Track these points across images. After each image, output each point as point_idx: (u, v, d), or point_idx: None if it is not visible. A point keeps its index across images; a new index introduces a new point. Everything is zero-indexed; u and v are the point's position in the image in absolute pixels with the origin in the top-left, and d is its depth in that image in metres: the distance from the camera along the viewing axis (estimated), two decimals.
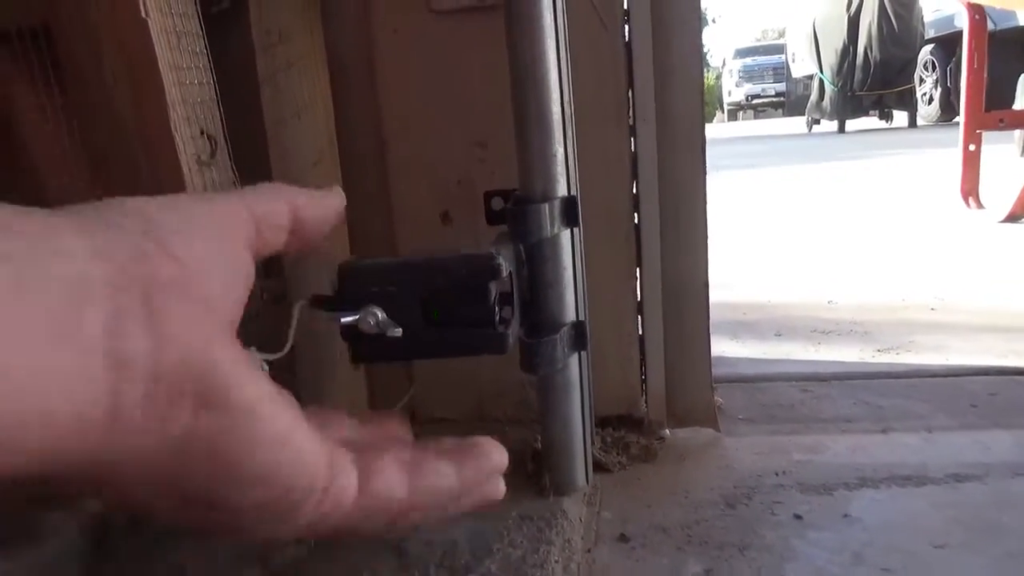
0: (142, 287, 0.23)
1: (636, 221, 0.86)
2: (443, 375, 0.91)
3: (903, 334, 1.29)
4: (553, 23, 0.65)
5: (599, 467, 0.81)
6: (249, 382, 0.25)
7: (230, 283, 0.27)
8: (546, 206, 0.66)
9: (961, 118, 2.50)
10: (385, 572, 0.62)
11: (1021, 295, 1.52)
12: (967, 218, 2.47)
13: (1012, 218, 2.38)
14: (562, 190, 0.68)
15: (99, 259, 0.22)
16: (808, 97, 8.97)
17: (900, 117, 8.51)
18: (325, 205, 0.37)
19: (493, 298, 0.63)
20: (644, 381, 0.91)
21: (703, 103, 0.84)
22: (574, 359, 0.72)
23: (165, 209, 0.26)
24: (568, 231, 0.69)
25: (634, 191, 0.85)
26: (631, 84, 0.83)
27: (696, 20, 0.83)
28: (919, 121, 8.12)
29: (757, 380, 1.10)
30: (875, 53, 7.79)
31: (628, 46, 0.83)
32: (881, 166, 4.43)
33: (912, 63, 7.85)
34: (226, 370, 0.24)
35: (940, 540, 0.64)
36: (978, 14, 2.47)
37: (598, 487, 0.78)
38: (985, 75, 2.49)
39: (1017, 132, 4.04)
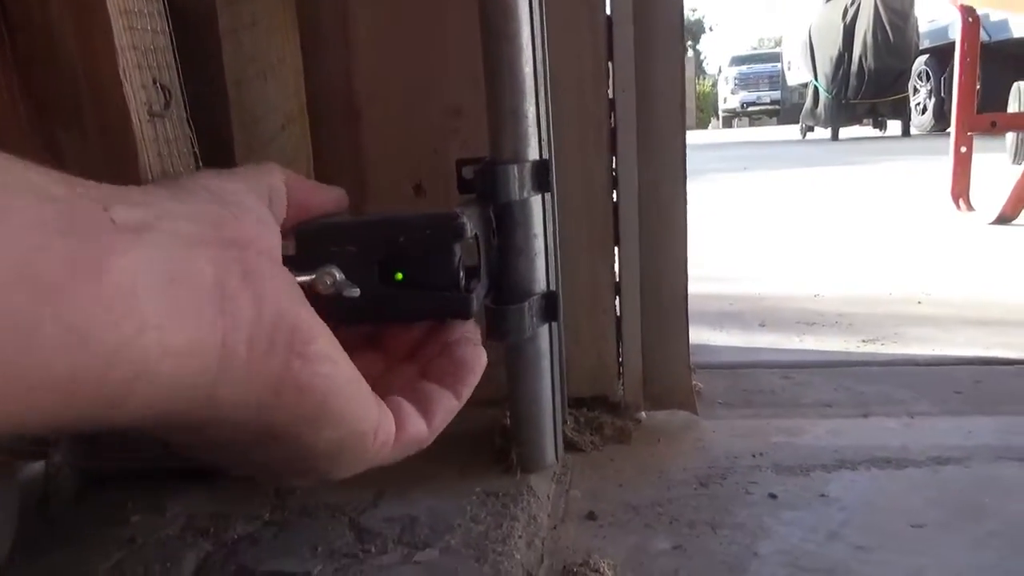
0: (235, 248, 0.26)
1: (615, 198, 0.84)
2: None
3: (889, 326, 1.27)
4: None
5: (571, 447, 0.79)
6: (325, 333, 0.29)
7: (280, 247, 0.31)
8: (515, 167, 0.63)
9: (952, 120, 2.49)
10: (342, 547, 0.59)
11: (1008, 291, 1.50)
12: (957, 220, 2.46)
13: (1002, 220, 2.36)
14: (533, 153, 0.66)
15: (194, 222, 0.25)
16: (802, 105, 8.99)
17: (893, 126, 8.53)
18: (325, 193, 0.44)
19: (457, 260, 0.61)
20: (620, 362, 0.88)
21: (684, 77, 0.82)
22: (544, 330, 0.69)
23: (216, 179, 0.31)
24: (539, 196, 0.67)
25: (613, 165, 0.83)
26: (611, 56, 0.81)
27: None
28: (912, 130, 8.14)
29: (739, 367, 1.08)
30: (870, 62, 7.81)
31: (609, 19, 0.81)
32: (874, 171, 4.43)
33: (906, 73, 7.87)
34: (310, 323, 0.28)
35: (919, 520, 0.62)
36: (971, 16, 2.46)
37: (568, 466, 0.75)
38: (977, 77, 2.48)
39: (1009, 139, 4.05)
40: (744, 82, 15.94)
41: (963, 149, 2.51)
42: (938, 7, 7.70)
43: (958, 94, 2.48)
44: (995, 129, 2.53)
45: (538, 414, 0.70)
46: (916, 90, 8.00)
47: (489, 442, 0.75)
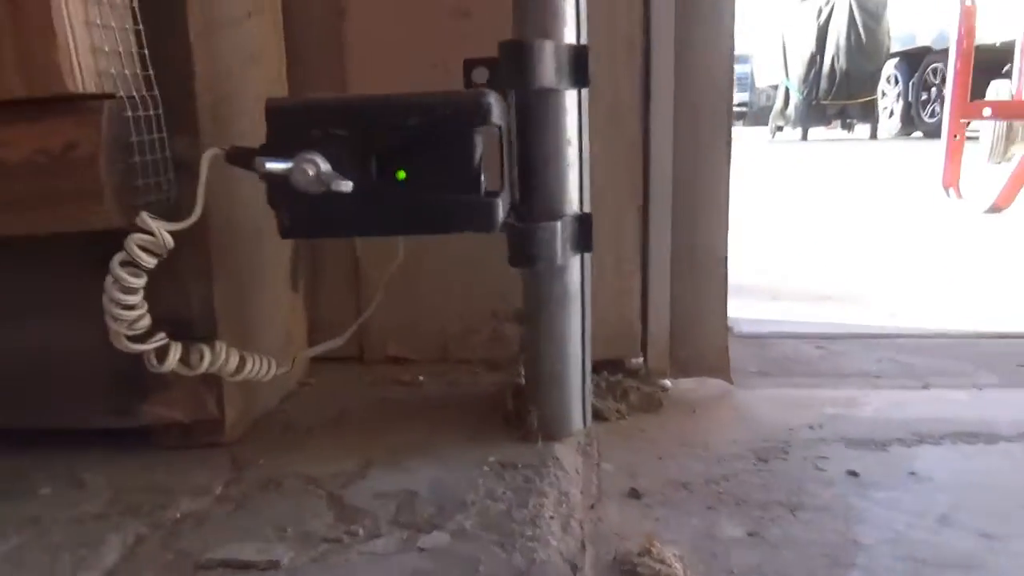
0: None
1: (645, 121, 0.71)
2: (398, 309, 0.74)
3: (905, 301, 1.17)
4: None
5: (594, 415, 0.65)
6: None
7: None
8: (551, 44, 0.49)
9: (947, 107, 2.42)
10: (319, 529, 0.45)
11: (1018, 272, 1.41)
12: (952, 208, 2.39)
13: (995, 209, 2.30)
14: (570, 35, 0.52)
15: None
16: (770, 108, 8.98)
17: (861, 129, 8.57)
18: None
19: (479, 154, 0.47)
20: (644, 319, 0.75)
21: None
22: (575, 263, 0.55)
23: None
24: (575, 92, 0.53)
25: (645, 81, 0.70)
26: None
27: None
28: (880, 133, 8.19)
29: (764, 337, 0.95)
30: (842, 63, 7.82)
31: None
32: (853, 167, 4.38)
33: (876, 75, 7.89)
34: None
35: None
36: (970, 0, 2.39)
37: (593, 436, 0.61)
38: (972, 65, 2.41)
39: (985, 139, 4.03)
40: None
41: (956, 137, 2.44)
42: (909, 14, 7.76)
43: (954, 81, 2.41)
44: (989, 117, 2.46)
45: (565, 369, 0.57)
46: (884, 94, 8.05)
47: (499, 405, 0.61)
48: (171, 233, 0.44)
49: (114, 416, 0.54)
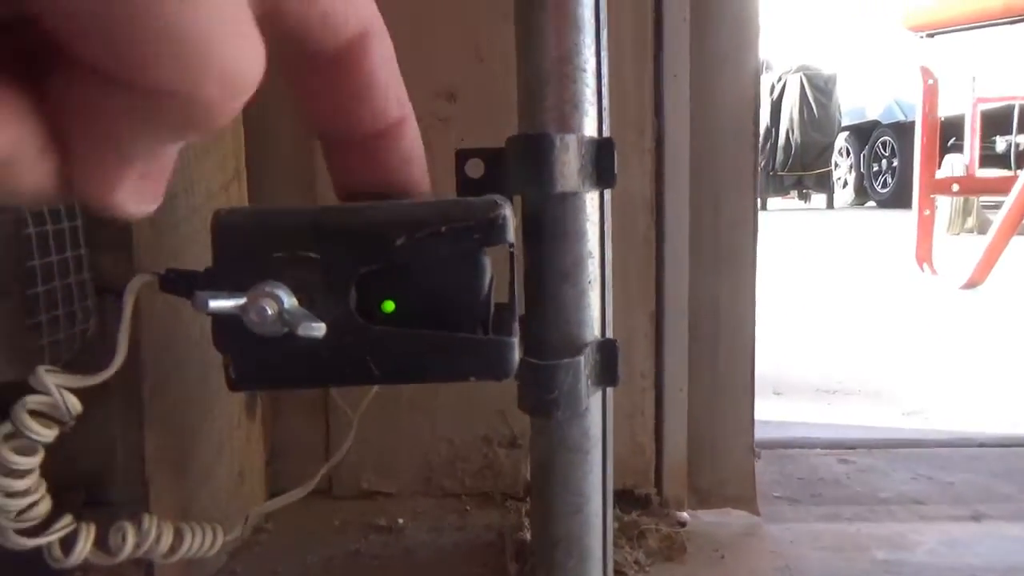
0: None
1: (658, 213, 0.62)
2: (376, 433, 0.63)
3: (921, 394, 1.09)
4: None
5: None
6: None
7: None
8: (571, 139, 0.40)
9: (916, 182, 2.43)
10: None
11: (1016, 357, 1.35)
12: (927, 284, 2.36)
13: (971, 285, 2.28)
14: (591, 127, 0.43)
15: None
16: None
17: (818, 199, 8.77)
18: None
19: (488, 280, 0.36)
20: (659, 443, 0.65)
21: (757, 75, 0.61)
22: (596, 400, 0.45)
23: None
24: (596, 194, 0.44)
25: (658, 170, 0.61)
26: (659, 24, 0.60)
27: None
28: (836, 203, 8.39)
29: (779, 446, 0.86)
30: (796, 136, 8.05)
31: None
32: (818, 237, 4.42)
33: (829, 148, 8.14)
34: None
35: None
36: (931, 78, 2.42)
37: None
38: (938, 140, 2.43)
39: (944, 209, 4.10)
40: None
41: (927, 212, 2.44)
42: (857, 90, 8.07)
43: (921, 156, 2.43)
44: (957, 191, 2.47)
45: (582, 531, 0.46)
46: (837, 165, 8.29)
47: (497, 568, 0.50)
48: (81, 390, 0.32)
49: None
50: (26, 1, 0.13)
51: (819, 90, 8.00)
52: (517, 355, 0.38)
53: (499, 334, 0.36)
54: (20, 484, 0.32)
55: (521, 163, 0.40)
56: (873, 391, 1.13)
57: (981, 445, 0.87)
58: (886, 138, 7.47)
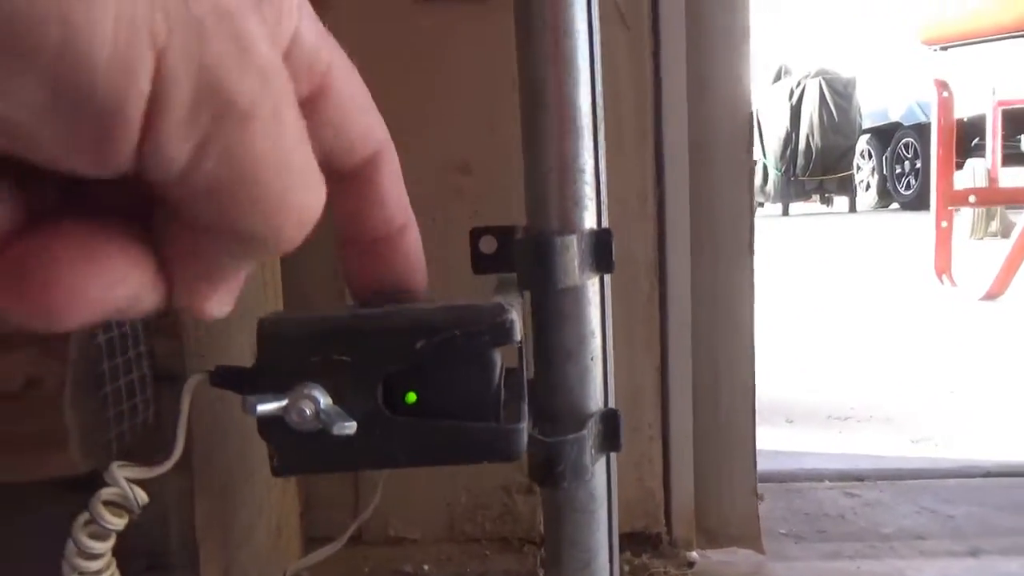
0: None
1: (661, 274, 0.66)
2: (401, 483, 0.67)
3: (931, 421, 1.11)
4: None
5: None
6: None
7: None
8: (572, 240, 0.45)
9: (933, 195, 2.43)
10: None
11: None
12: (947, 296, 2.37)
13: (990, 296, 2.29)
14: (590, 220, 0.48)
15: None
16: None
17: (840, 202, 8.73)
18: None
19: (498, 375, 0.41)
20: (667, 487, 0.69)
21: (752, 126, 0.66)
22: (601, 465, 0.50)
23: None
24: (596, 280, 0.48)
25: (660, 230, 0.66)
26: (658, 94, 0.65)
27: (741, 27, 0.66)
28: (859, 206, 8.34)
29: (787, 479, 0.89)
30: (816, 140, 8.02)
31: (656, 53, 0.65)
32: (838, 243, 4.41)
33: (851, 151, 8.10)
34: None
35: None
36: (946, 91, 2.43)
37: None
38: (954, 152, 2.44)
39: (967, 216, 4.08)
40: None
41: (944, 224, 2.45)
42: (879, 91, 8.03)
43: (937, 169, 2.43)
44: (975, 203, 2.48)
45: None
46: (859, 168, 8.23)
47: None
48: (145, 481, 0.38)
49: None
50: (152, 181, 0.15)
51: (839, 94, 7.97)
52: (525, 439, 0.43)
53: (509, 422, 0.41)
54: (95, 565, 0.37)
55: (527, 264, 0.44)
56: (884, 417, 1.15)
57: (987, 475, 0.90)
58: (908, 140, 7.42)
